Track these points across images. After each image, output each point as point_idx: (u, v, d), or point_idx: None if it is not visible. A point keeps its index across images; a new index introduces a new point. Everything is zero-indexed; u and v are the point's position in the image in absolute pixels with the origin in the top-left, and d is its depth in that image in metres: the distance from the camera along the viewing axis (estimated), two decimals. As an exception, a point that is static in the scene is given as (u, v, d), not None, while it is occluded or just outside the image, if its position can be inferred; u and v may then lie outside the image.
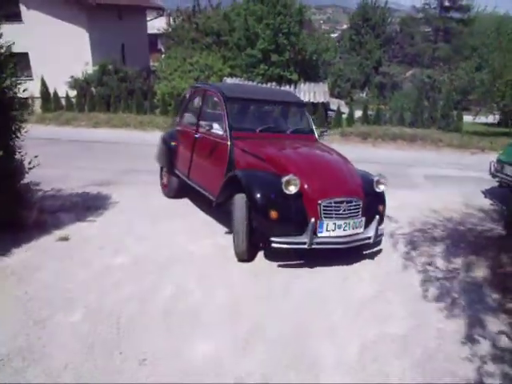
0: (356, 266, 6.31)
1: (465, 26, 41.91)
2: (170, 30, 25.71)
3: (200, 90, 8.52)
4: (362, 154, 12.69)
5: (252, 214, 5.87)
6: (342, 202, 5.89)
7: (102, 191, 9.48)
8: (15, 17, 23.03)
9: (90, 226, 7.62)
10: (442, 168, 12.55)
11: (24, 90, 7.09)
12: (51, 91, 20.87)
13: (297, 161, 6.30)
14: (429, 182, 10.83)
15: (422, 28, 44.07)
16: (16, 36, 21.47)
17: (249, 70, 20.63)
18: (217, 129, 7.27)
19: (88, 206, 8.57)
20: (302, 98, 19.73)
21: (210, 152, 7.26)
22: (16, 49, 20.63)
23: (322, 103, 19.24)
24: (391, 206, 7.44)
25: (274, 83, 20.61)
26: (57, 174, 10.59)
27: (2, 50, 6.77)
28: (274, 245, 5.74)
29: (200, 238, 7.09)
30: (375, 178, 6.55)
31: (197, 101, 8.80)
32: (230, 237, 6.52)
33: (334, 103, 21.21)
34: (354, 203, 6.00)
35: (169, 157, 8.67)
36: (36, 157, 7.66)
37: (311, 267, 6.11)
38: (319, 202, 5.78)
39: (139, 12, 28.56)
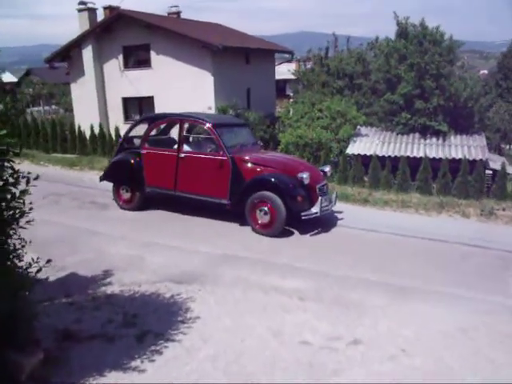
0: None
1: None
2: (301, 73, 22.54)
3: (172, 120, 10.47)
4: None
5: (286, 201, 8.40)
6: (323, 185, 9.22)
7: (178, 294, 6.19)
8: (145, 63, 21.72)
9: (129, 386, 4.24)
10: None
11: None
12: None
13: (288, 163, 9.40)
14: None
15: None
16: (145, 81, 20.17)
17: (388, 118, 16.72)
18: (209, 148, 9.41)
19: (145, 329, 5.24)
20: (454, 154, 15.45)
21: (208, 167, 9.08)
22: (143, 93, 18.99)
23: (481, 161, 14.70)
24: None
25: (416, 134, 16.49)
26: (128, 255, 7.52)
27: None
28: (304, 217, 8.53)
29: None
30: (325, 169, 10.08)
31: (163, 128, 11.21)
32: None
33: (494, 160, 16.54)
34: (326, 185, 9.42)
35: (134, 176, 9.91)
36: (49, 261, 4.53)
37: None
38: (317, 186, 8.97)
39: (267, 56, 25.95)
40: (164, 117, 10.69)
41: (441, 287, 6.43)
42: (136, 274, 6.74)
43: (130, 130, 10.53)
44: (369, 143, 16.16)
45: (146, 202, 10.15)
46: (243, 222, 8.98)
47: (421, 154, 15.22)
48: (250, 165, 8.89)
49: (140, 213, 9.96)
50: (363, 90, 18.75)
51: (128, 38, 21.63)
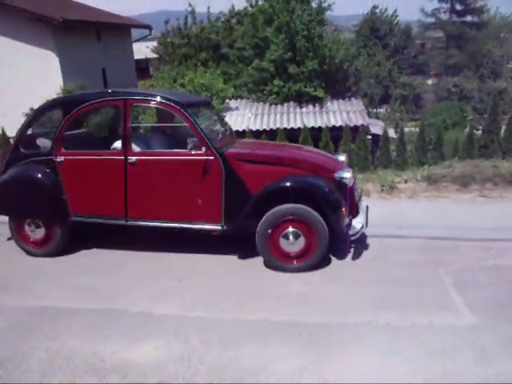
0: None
1: (478, 30, 36.21)
2: (161, 47, 19.66)
3: (107, 102, 5.98)
4: (479, 222, 6.35)
5: (329, 216, 5.08)
6: (355, 184, 5.83)
7: None
8: (-25, 45, 17.27)
9: None
10: None
11: None
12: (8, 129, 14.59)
13: (313, 157, 5.97)
14: None
15: (434, 34, 38.24)
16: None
17: (259, 88, 14.42)
18: (190, 144, 5.34)
19: None
20: (333, 122, 13.64)
21: (183, 176, 5.43)
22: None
23: (362, 126, 12.99)
24: None
25: (291, 103, 14.41)
26: None
27: None
28: (352, 238, 5.28)
29: None
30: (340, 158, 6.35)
31: (96, 117, 7.12)
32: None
33: (373, 125, 15.01)
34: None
35: (48, 200, 5.84)
36: None
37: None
38: (355, 187, 5.71)
39: (123, 32, 22.51)
40: (93, 98, 6.02)
41: (365, 315, 4.15)
42: None
43: (29, 124, 6.30)
44: (240, 117, 13.83)
45: (76, 238, 6.09)
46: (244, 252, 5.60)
47: (298, 124, 13.24)
48: (256, 166, 5.40)
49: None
50: (230, 60, 16.28)
51: None
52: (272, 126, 13.45)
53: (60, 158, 5.76)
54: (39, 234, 5.93)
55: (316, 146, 11.70)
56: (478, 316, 4.05)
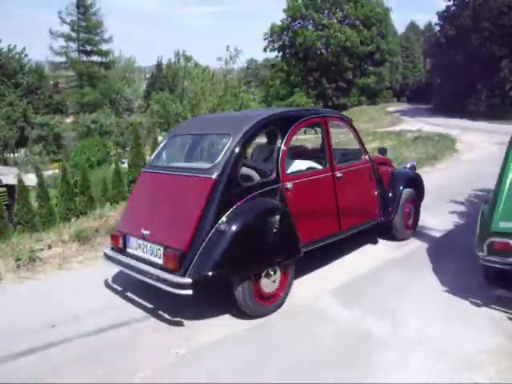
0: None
1: (107, 68, 36.91)
2: None
3: (313, 118, 5.26)
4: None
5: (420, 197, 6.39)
6: None
7: None
8: None
9: None
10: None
11: None
12: None
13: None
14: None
15: (65, 73, 36.96)
16: None
17: None
18: (358, 156, 5.71)
19: None
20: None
21: (361, 182, 5.68)
22: None
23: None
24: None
25: None
26: None
27: None
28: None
29: None
30: None
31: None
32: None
33: (5, 174, 12.11)
34: None
35: (284, 238, 4.37)
36: None
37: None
38: None
39: None
40: (305, 115, 5.10)
41: None
42: None
43: (243, 150, 4.30)
44: None
45: None
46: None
47: None
48: (380, 167, 5.99)
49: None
50: None
51: None
52: None
53: (289, 184, 4.57)
54: (274, 284, 4.27)
55: None
56: None
